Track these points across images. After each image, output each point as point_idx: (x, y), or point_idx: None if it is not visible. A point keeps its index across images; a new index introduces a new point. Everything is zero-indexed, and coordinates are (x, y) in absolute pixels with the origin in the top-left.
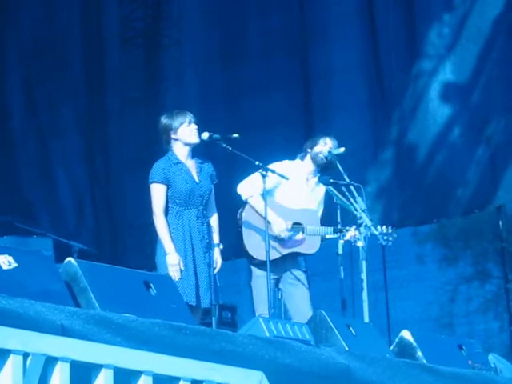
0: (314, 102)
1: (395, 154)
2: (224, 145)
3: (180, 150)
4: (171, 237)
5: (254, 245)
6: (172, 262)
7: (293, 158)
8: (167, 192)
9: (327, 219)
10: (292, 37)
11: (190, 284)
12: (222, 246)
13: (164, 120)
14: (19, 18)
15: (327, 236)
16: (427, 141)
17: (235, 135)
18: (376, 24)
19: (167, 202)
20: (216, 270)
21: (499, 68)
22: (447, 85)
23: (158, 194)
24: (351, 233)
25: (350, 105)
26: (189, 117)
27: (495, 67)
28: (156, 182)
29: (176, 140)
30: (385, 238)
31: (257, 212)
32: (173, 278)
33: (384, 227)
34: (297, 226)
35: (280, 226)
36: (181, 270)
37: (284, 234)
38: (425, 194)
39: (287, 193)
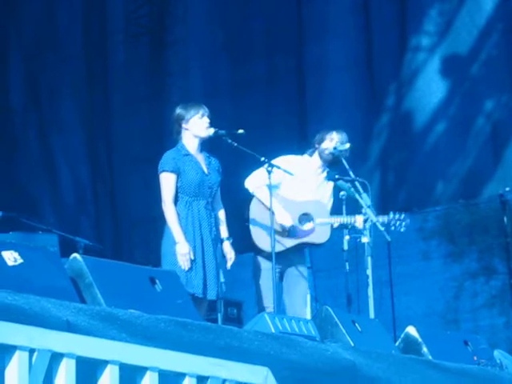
0: (308, 96)
1: (387, 143)
2: (229, 140)
3: (190, 141)
4: (180, 226)
5: (262, 237)
6: (182, 251)
7: (289, 152)
8: (177, 182)
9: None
10: (289, 34)
11: (198, 275)
12: (231, 240)
13: (178, 110)
14: (22, 13)
15: (335, 225)
16: (424, 117)
17: (240, 131)
18: (371, 20)
19: (176, 192)
20: (230, 263)
21: (500, 47)
22: (444, 64)
23: (168, 183)
24: (359, 220)
25: (343, 101)
26: (203, 110)
27: (496, 47)
28: (166, 171)
29: (186, 130)
30: (398, 223)
31: (263, 204)
32: (182, 267)
33: (396, 215)
34: (305, 217)
35: (283, 216)
36: (190, 261)
37: (287, 224)
38: (420, 166)
39: (294, 187)
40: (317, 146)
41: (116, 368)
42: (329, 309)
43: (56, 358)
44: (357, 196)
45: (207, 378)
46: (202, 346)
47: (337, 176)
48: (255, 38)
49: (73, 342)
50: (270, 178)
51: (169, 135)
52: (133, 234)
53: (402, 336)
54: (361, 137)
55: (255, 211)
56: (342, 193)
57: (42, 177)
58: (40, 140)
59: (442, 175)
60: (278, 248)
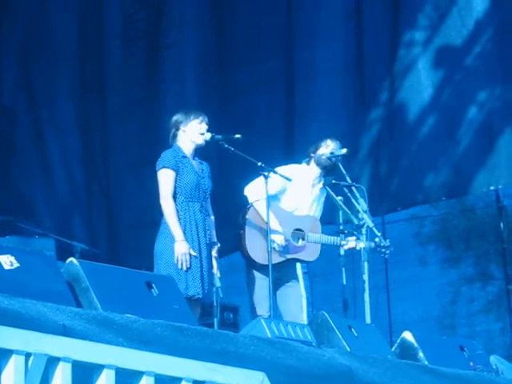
0: (297, 99)
1: (379, 136)
2: (226, 145)
3: (186, 145)
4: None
5: (256, 248)
6: (182, 250)
7: (276, 155)
8: (175, 180)
9: (329, 220)
10: (281, 39)
11: (196, 276)
12: (219, 245)
13: (177, 116)
14: (16, 14)
15: (327, 243)
16: (417, 110)
17: (237, 136)
18: (362, 24)
19: (174, 191)
20: (216, 267)
21: (495, 40)
22: (438, 57)
23: (167, 178)
24: (351, 244)
25: (333, 104)
26: (202, 117)
27: (491, 40)
28: (166, 168)
29: (184, 132)
30: (382, 250)
31: (261, 217)
32: (179, 266)
33: (382, 242)
34: (298, 233)
35: (277, 237)
36: (189, 260)
37: (279, 243)
38: (412, 158)
39: (292, 198)
40: (312, 154)
41: (112, 372)
42: (325, 314)
43: (52, 362)
44: (346, 211)
45: (203, 382)
46: (198, 350)
47: (333, 181)
48: (247, 43)
49: (69, 346)
50: (267, 183)
51: (164, 139)
52: (128, 238)
53: (398, 341)
54: (349, 133)
55: (252, 222)
56: (338, 198)
57: (38, 180)
58: (36, 143)
59: (433, 167)
60: (272, 260)
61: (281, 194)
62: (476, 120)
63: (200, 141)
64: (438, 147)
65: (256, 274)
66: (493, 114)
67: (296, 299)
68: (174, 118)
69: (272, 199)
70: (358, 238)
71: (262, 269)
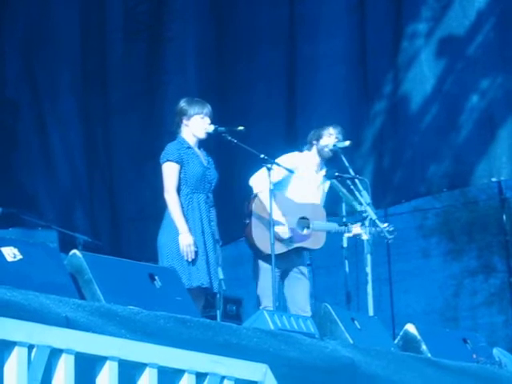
0: (297, 90)
1: (382, 128)
2: (229, 137)
3: (190, 136)
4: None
5: (262, 238)
6: (187, 241)
7: (277, 149)
8: (180, 173)
9: (332, 211)
10: (282, 31)
11: (201, 268)
12: (221, 243)
13: (182, 104)
14: (17, 6)
15: (332, 231)
16: (419, 102)
17: (240, 128)
18: (366, 17)
19: (179, 183)
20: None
21: (497, 30)
22: (440, 48)
23: (171, 172)
24: (356, 229)
25: (335, 96)
26: (206, 109)
27: (492, 29)
28: (170, 161)
29: (186, 126)
30: (387, 235)
31: (265, 207)
32: (185, 258)
33: (386, 224)
34: (303, 221)
35: (281, 229)
36: (194, 252)
37: (284, 236)
38: (414, 149)
39: (297, 185)
40: (314, 142)
41: (115, 364)
42: (328, 306)
43: (55, 353)
44: (352, 199)
45: (206, 374)
46: (201, 342)
47: (336, 174)
48: (249, 35)
49: (72, 338)
50: (270, 176)
51: (167, 131)
52: (130, 231)
53: (401, 333)
54: (352, 126)
55: (257, 213)
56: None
57: (41, 173)
58: (38, 136)
59: (435, 158)
60: (278, 250)
61: (285, 182)
62: (477, 110)
63: (202, 135)
64: (440, 138)
65: (262, 264)
66: (494, 103)
67: (303, 289)
68: (179, 105)
69: (277, 187)
70: (362, 224)
71: (269, 259)
